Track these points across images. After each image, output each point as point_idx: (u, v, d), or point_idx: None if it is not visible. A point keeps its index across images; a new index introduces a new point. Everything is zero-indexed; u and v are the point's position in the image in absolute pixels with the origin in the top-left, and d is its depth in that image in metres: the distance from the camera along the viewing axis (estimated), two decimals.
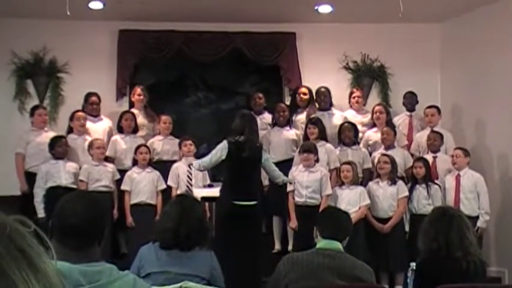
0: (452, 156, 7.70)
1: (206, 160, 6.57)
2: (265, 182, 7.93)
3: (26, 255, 0.93)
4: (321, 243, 3.80)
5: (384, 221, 7.35)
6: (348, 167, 7.41)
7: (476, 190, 7.50)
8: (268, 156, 6.79)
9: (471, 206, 7.43)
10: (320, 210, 4.54)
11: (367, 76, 9.46)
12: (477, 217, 7.37)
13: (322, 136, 7.81)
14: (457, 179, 7.56)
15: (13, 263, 0.91)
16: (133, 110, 8.48)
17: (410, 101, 8.79)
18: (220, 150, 6.37)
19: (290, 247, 7.67)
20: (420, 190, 7.45)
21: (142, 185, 7.65)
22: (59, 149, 7.59)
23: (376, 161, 7.70)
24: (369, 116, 8.70)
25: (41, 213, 7.29)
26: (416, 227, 4.34)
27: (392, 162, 7.45)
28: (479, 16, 8.71)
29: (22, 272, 0.91)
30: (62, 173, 7.53)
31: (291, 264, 3.69)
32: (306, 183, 7.30)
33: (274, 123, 8.37)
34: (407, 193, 7.39)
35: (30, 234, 0.97)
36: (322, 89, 8.61)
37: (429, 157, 7.91)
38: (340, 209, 4.75)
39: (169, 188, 7.74)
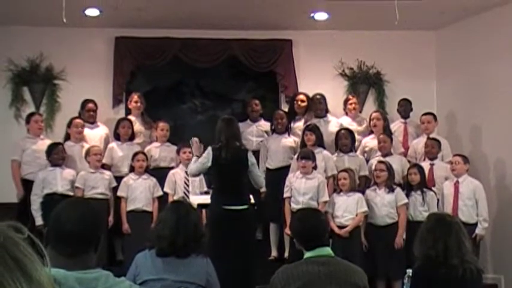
0: (452, 163, 7.70)
1: (193, 167, 6.65)
2: (263, 189, 7.93)
3: (20, 264, 0.93)
4: (310, 253, 3.73)
5: (382, 228, 7.34)
6: (345, 174, 7.40)
7: (475, 197, 7.49)
8: (254, 161, 6.77)
9: (469, 213, 7.42)
10: (291, 224, 4.18)
11: (363, 83, 9.47)
12: (475, 224, 7.37)
13: (320, 143, 7.81)
14: (456, 185, 7.55)
15: (7, 272, 0.91)
16: (130, 117, 8.48)
17: (405, 108, 8.80)
18: (206, 157, 6.41)
19: (286, 254, 7.67)
20: (416, 197, 7.46)
21: (139, 192, 7.64)
22: (55, 156, 7.58)
23: (373, 168, 7.69)
24: (365, 124, 8.71)
25: (38, 220, 7.27)
26: (413, 234, 4.33)
27: (389, 169, 7.45)
28: (474, 24, 8.74)
29: (16, 282, 0.91)
30: (59, 180, 7.52)
31: (286, 277, 3.61)
32: (303, 189, 7.30)
33: (273, 130, 8.37)
34: (406, 200, 7.38)
35: (24, 241, 0.96)
36: (318, 96, 8.61)
37: (426, 164, 7.91)
38: (307, 212, 4.39)
39: (165, 194, 7.73)
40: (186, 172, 7.80)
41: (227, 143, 6.40)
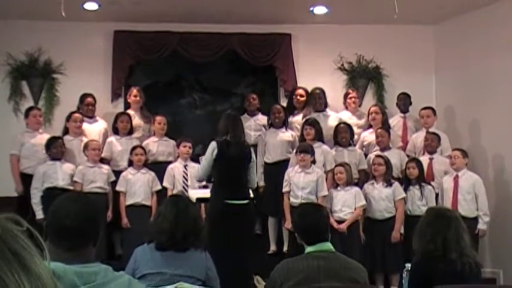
0: (451, 157, 7.71)
1: (201, 171, 6.58)
2: (261, 183, 7.93)
3: (19, 257, 0.92)
4: (311, 247, 3.75)
5: (380, 222, 7.36)
6: (341, 168, 7.41)
7: (474, 191, 7.50)
8: (255, 158, 6.79)
9: (469, 207, 7.43)
10: (292, 218, 4.15)
11: (362, 77, 9.46)
12: (474, 218, 7.38)
13: (319, 137, 7.81)
14: (455, 180, 7.56)
15: (6, 265, 0.90)
16: (129, 111, 8.48)
17: (404, 102, 8.80)
18: (211, 152, 6.38)
19: (285, 248, 7.68)
20: (414, 191, 7.46)
21: (138, 186, 7.65)
22: (54, 150, 7.59)
23: (371, 162, 7.70)
24: (364, 118, 8.71)
25: (39, 214, 7.28)
26: (412, 228, 4.33)
27: (387, 163, 7.46)
28: (473, 18, 8.74)
29: (15, 275, 0.90)
30: (59, 174, 7.53)
31: (286, 272, 3.62)
32: (302, 184, 7.30)
33: (270, 125, 8.36)
34: (404, 195, 7.39)
35: (23, 234, 0.96)
36: (317, 91, 8.60)
37: (425, 158, 7.92)
38: (309, 207, 4.37)
39: (164, 188, 7.73)
40: (185, 166, 7.82)
41: (236, 139, 6.40)
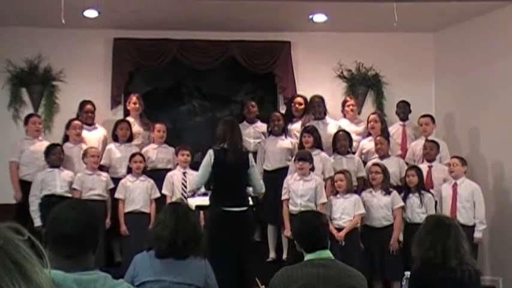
0: (450, 165, 7.71)
1: (197, 178, 6.56)
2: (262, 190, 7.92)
3: (19, 267, 0.92)
4: (310, 255, 3.73)
5: (379, 230, 7.35)
6: (341, 176, 7.41)
7: (473, 199, 7.50)
8: (254, 163, 6.77)
9: (467, 215, 7.43)
10: (292, 226, 4.13)
11: (362, 85, 9.47)
12: (473, 226, 7.38)
13: (318, 145, 7.81)
14: (454, 187, 7.56)
15: (7, 275, 0.90)
16: (129, 119, 8.48)
17: (403, 110, 8.81)
18: (209, 160, 6.36)
19: (284, 256, 7.67)
20: (413, 199, 7.46)
21: (136, 194, 7.64)
22: (53, 157, 7.59)
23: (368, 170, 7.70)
24: (363, 125, 8.71)
25: (37, 221, 7.27)
26: (411, 236, 4.33)
27: (384, 171, 7.45)
28: (473, 26, 8.75)
29: (16, 285, 0.90)
30: (58, 181, 7.53)
31: (286, 279, 3.60)
32: (301, 191, 7.30)
33: (270, 132, 8.36)
34: (402, 203, 7.38)
35: (24, 243, 0.96)
36: (316, 98, 8.60)
37: (425, 166, 7.92)
38: (309, 215, 4.33)
39: (163, 196, 7.72)
40: (184, 173, 7.81)
41: (233, 146, 6.39)
